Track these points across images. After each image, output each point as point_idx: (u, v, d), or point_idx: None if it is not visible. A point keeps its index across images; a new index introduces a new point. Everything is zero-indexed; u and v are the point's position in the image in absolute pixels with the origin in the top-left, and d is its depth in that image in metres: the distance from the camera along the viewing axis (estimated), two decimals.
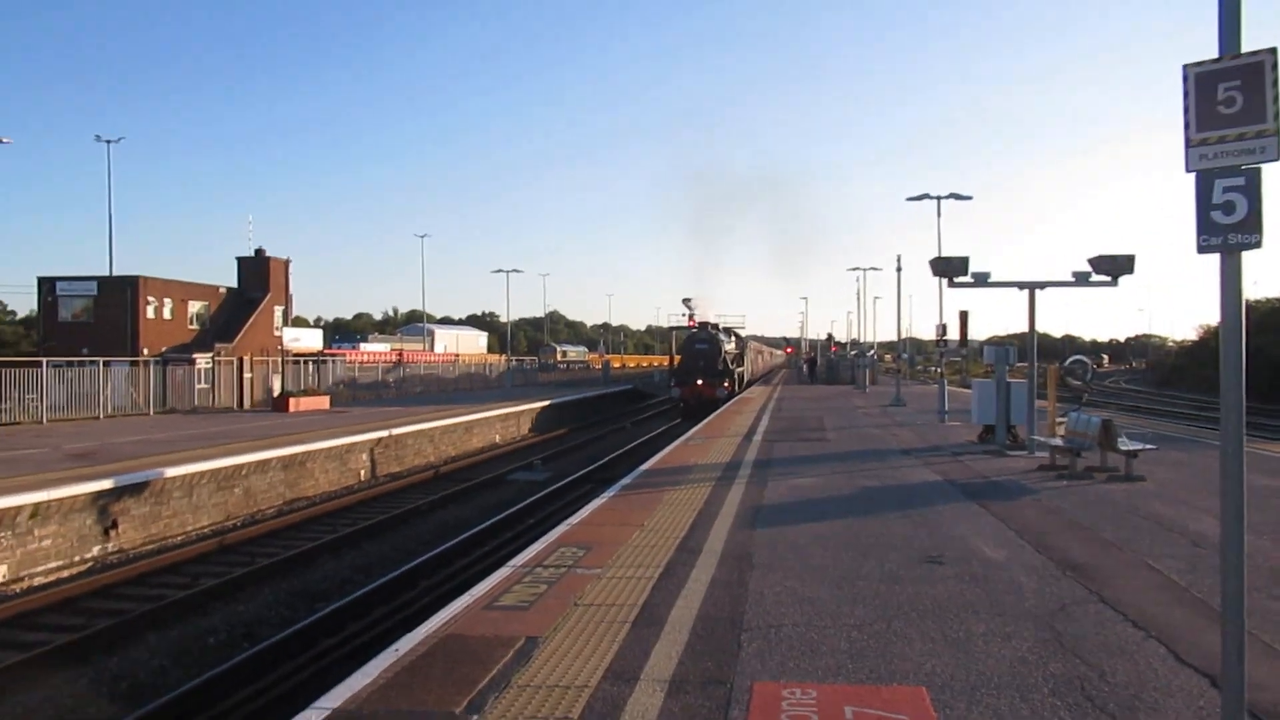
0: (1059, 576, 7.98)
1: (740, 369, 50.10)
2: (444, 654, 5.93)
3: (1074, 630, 6.40)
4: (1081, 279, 16.31)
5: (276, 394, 33.34)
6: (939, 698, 5.13)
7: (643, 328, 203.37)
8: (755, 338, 79.33)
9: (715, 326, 46.78)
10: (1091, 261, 15.90)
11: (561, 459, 28.20)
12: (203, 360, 36.64)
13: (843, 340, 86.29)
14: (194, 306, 52.58)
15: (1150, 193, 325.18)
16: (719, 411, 32.67)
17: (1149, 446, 15.15)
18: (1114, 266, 15.77)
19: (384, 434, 23.45)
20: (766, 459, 16.90)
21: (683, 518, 10.81)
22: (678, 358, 49.35)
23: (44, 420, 26.28)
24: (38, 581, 12.86)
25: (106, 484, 14.34)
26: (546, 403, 38.96)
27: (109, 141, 54.55)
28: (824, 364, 67.10)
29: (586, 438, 34.47)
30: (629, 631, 6.37)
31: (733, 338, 50.65)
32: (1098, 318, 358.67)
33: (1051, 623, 6.58)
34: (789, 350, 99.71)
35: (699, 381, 42.16)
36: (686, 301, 49.73)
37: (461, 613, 6.87)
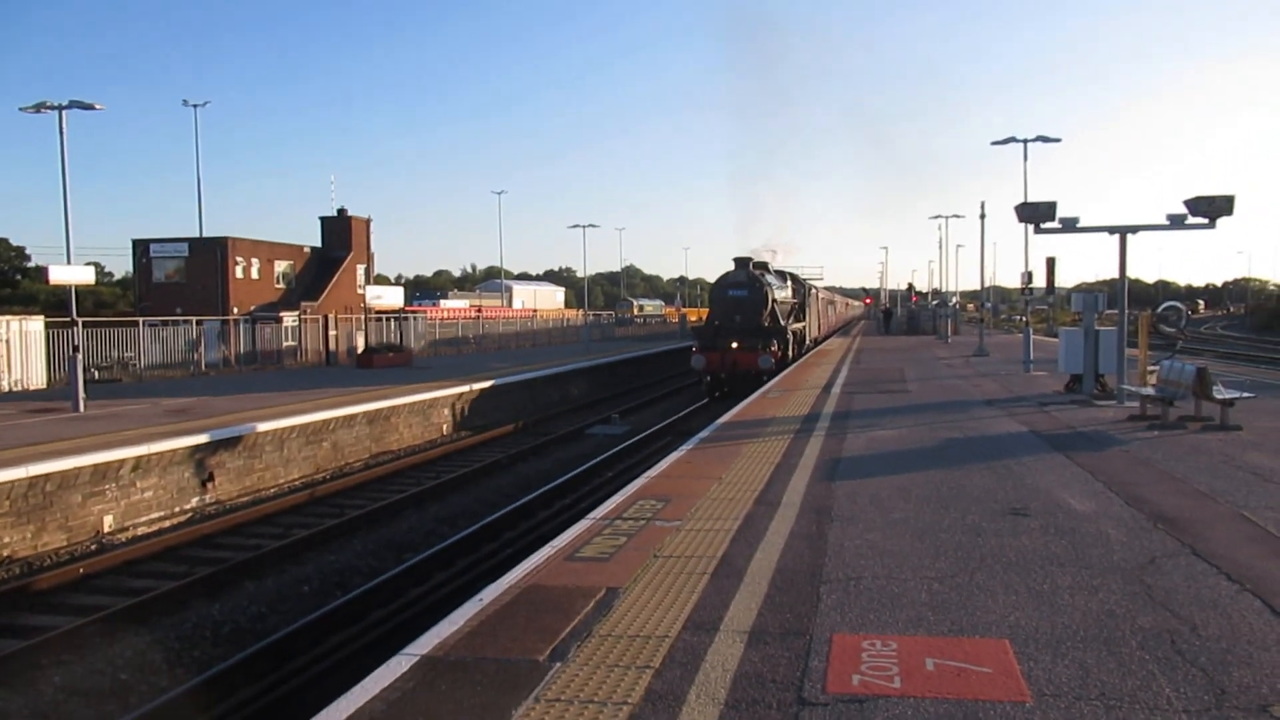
0: (1149, 529, 7.78)
1: (799, 325, 36.24)
2: (527, 604, 6.05)
3: (1164, 583, 6.25)
4: (1176, 222, 15.66)
5: (360, 350, 34.11)
6: (1023, 650, 5.07)
7: None
8: (833, 288, 78.00)
9: (763, 266, 32.55)
10: (1187, 203, 15.25)
11: (640, 412, 28.38)
12: (289, 318, 37.70)
13: (924, 290, 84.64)
14: (280, 266, 53.95)
15: (1253, 129, 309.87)
16: (795, 365, 30.78)
17: (1246, 394, 14.59)
18: (1211, 208, 15.10)
19: (465, 389, 23.85)
20: (845, 411, 16.76)
21: (761, 470, 10.80)
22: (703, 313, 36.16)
23: (142, 377, 27.35)
24: (141, 531, 13.47)
25: (203, 438, 14.90)
26: (623, 356, 39.13)
27: (195, 106, 56.14)
28: (904, 314, 65.97)
29: (664, 390, 34.62)
30: (708, 583, 6.41)
31: (788, 282, 36.49)
32: (1194, 261, 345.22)
33: (1141, 576, 6.43)
34: (868, 301, 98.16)
35: (733, 344, 28.76)
36: (765, 257, 36.22)
37: (543, 564, 7.00)
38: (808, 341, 39.42)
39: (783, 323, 31.19)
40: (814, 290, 44.97)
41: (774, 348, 28.93)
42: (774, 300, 30.80)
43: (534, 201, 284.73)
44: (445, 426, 22.75)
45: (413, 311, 50.99)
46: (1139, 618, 5.58)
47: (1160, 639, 5.23)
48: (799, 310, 36.86)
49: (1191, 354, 35.42)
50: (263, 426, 16.30)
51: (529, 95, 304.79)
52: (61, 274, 20.55)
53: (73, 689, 8.20)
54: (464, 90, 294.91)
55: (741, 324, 29.30)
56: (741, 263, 30.82)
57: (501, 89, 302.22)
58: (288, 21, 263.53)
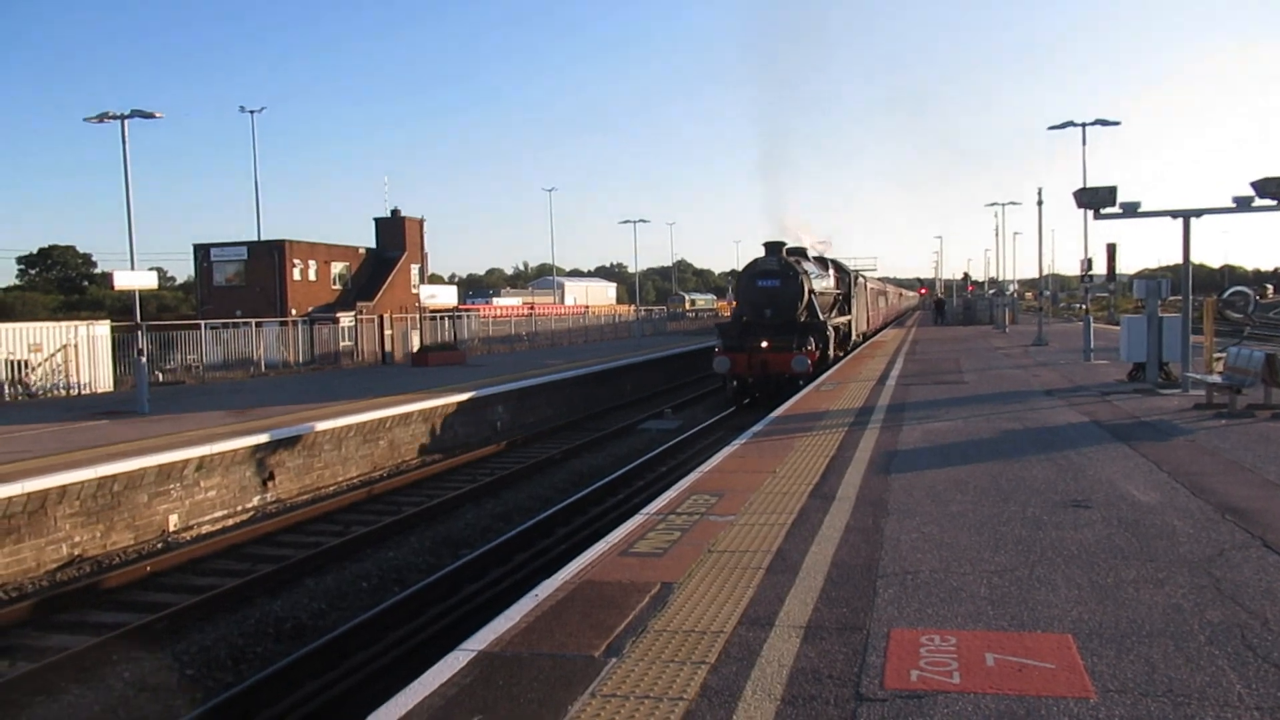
0: (1217, 520, 7.58)
1: (844, 319, 32.14)
2: (582, 599, 6.07)
3: (1234, 576, 6.08)
4: (1243, 204, 15.22)
5: (415, 349, 34.51)
6: (1086, 645, 4.97)
7: None
8: (886, 279, 77.06)
9: (799, 253, 28.19)
10: (1255, 185, 14.81)
11: (692, 406, 28.34)
12: (346, 319, 38.27)
13: (980, 279, 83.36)
14: (336, 267, 54.80)
15: None
16: (846, 359, 29.25)
17: None
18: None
19: (517, 385, 23.99)
20: (901, 403, 16.56)
21: (815, 464, 10.72)
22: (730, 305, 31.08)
23: (204, 379, 27.94)
24: (204, 530, 13.76)
25: (263, 438, 15.17)
26: (674, 351, 39.07)
27: (252, 112, 57.13)
28: (960, 304, 65.03)
29: (716, 384, 34.45)
30: (763, 578, 6.38)
31: (830, 270, 31.85)
32: (1262, 244, 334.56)
33: (1209, 568, 6.26)
34: (923, 291, 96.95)
35: (762, 344, 24.83)
36: (808, 244, 32.22)
37: (597, 559, 7.02)
38: (854, 336, 35.09)
39: (822, 317, 26.77)
40: (861, 279, 40.07)
41: (810, 347, 24.81)
42: (811, 291, 26.36)
43: (585, 198, 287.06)
44: (499, 423, 22.91)
45: (466, 310, 51.48)
46: (1207, 612, 5.44)
47: (1230, 633, 5.09)
48: (843, 302, 32.97)
49: (1260, 340, 34.44)
50: (321, 426, 16.55)
51: (578, 92, 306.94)
52: (126, 280, 21.05)
53: (142, 684, 8.40)
54: (514, 88, 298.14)
55: (773, 319, 25.27)
56: (773, 248, 26.36)
57: (550, 87, 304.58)
58: (335, 23, 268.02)
